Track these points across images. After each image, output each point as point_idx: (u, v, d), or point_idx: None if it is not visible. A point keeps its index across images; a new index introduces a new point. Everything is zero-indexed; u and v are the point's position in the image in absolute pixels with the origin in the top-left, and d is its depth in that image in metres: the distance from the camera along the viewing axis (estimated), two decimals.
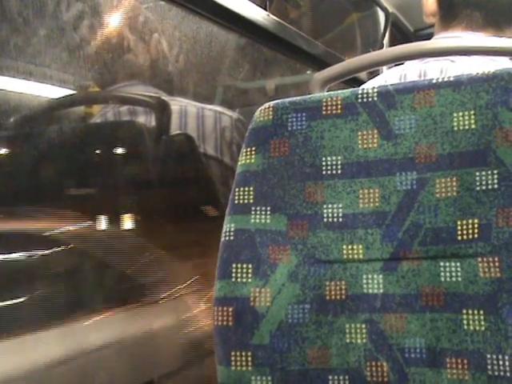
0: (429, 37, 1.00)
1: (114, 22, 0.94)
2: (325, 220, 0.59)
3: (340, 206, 0.59)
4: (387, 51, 0.79)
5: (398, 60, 0.75)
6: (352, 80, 1.08)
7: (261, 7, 1.08)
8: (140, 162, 0.95)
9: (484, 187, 0.54)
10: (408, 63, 0.91)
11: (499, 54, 0.70)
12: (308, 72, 1.71)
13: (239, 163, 0.63)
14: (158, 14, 0.99)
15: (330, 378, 0.56)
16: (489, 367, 0.51)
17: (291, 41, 1.21)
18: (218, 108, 1.05)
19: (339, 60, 1.41)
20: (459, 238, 0.54)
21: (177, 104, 1.00)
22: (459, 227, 0.54)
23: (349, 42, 1.92)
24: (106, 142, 0.91)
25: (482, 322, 0.52)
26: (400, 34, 2.03)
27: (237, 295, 0.59)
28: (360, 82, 1.21)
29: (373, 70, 1.12)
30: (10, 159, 0.80)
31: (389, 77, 0.92)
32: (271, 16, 1.11)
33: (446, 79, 0.57)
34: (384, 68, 1.22)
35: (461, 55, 0.82)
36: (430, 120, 0.57)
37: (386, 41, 1.92)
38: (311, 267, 0.58)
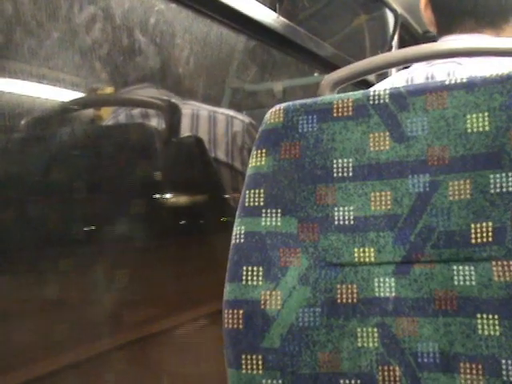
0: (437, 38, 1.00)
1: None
2: (336, 223, 0.58)
3: (351, 208, 0.58)
4: (397, 53, 0.78)
5: (407, 62, 0.75)
6: (361, 82, 1.08)
7: (271, 9, 1.08)
8: (150, 163, 0.95)
9: (498, 190, 0.53)
10: (414, 66, 0.91)
11: (508, 54, 0.69)
12: (315, 74, 1.71)
13: (249, 165, 0.63)
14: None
15: (342, 382, 0.56)
16: (504, 373, 0.50)
17: (301, 43, 1.21)
18: (231, 112, 1.05)
19: (348, 62, 1.41)
20: (473, 241, 0.54)
21: (189, 107, 1.00)
22: (473, 230, 0.54)
23: (358, 44, 1.92)
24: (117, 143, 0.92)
25: (497, 327, 0.51)
26: (408, 36, 2.02)
27: (247, 298, 0.59)
28: (369, 84, 1.21)
29: (382, 72, 1.12)
30: None
31: (396, 80, 0.92)
32: (281, 18, 1.11)
33: (458, 81, 0.57)
34: (393, 70, 1.22)
35: (469, 57, 0.81)
36: (443, 122, 0.56)
37: (394, 42, 1.91)
38: (322, 270, 0.58)
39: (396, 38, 1.90)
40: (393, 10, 1.82)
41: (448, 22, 0.96)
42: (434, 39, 0.99)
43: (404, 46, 0.73)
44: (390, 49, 1.88)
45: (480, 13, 0.92)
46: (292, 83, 1.81)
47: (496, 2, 0.93)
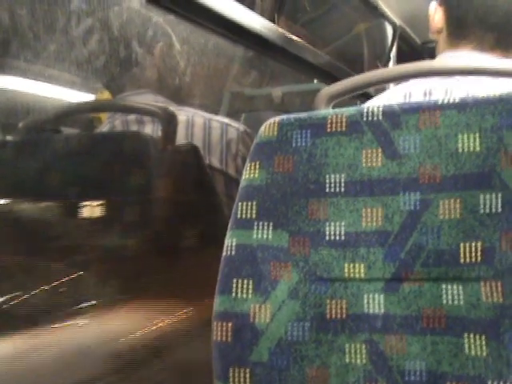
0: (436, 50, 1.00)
1: None
2: (327, 238, 0.59)
3: (342, 223, 0.59)
4: (395, 69, 0.79)
5: (405, 78, 0.75)
6: (359, 93, 1.08)
7: (269, 20, 1.09)
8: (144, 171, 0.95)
9: (488, 210, 0.54)
10: (413, 81, 0.91)
11: (508, 75, 0.70)
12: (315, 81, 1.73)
13: (243, 177, 0.63)
14: None
15: None
16: None
17: (299, 53, 1.22)
18: (226, 119, 1.06)
19: (346, 72, 1.42)
20: (462, 260, 0.54)
21: (184, 114, 1.01)
22: (462, 250, 0.54)
23: (356, 53, 1.93)
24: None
25: (484, 347, 0.51)
26: (407, 47, 2.03)
27: (236, 311, 0.59)
28: (367, 96, 1.22)
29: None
30: None
31: (393, 95, 0.92)
32: (280, 29, 1.12)
33: (451, 100, 0.57)
34: (391, 84, 1.23)
35: (468, 75, 0.81)
36: (435, 141, 0.57)
37: (393, 54, 1.92)
38: (312, 285, 0.58)
39: (394, 48, 1.91)
40: (391, 22, 1.83)
41: (463, 35, 0.90)
42: (432, 50, 0.98)
43: (402, 57, 0.73)
44: (388, 60, 1.89)
45: (505, 30, 0.87)
46: (290, 89, 1.82)
47: None
